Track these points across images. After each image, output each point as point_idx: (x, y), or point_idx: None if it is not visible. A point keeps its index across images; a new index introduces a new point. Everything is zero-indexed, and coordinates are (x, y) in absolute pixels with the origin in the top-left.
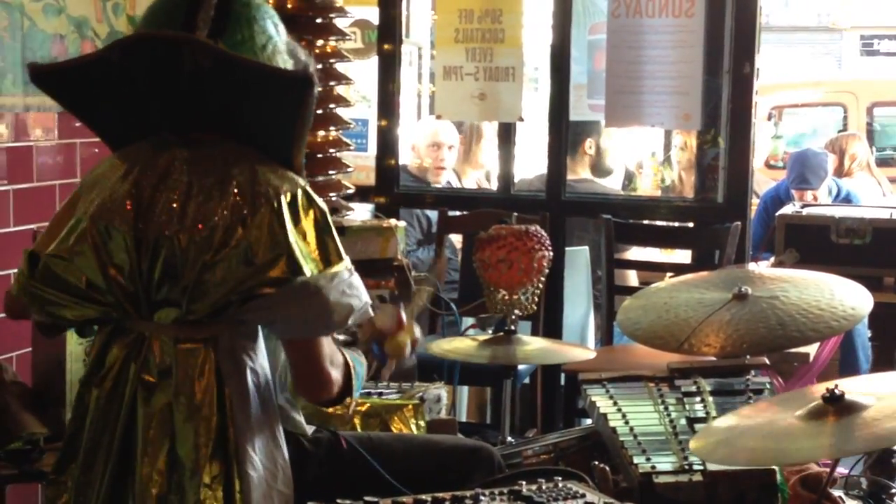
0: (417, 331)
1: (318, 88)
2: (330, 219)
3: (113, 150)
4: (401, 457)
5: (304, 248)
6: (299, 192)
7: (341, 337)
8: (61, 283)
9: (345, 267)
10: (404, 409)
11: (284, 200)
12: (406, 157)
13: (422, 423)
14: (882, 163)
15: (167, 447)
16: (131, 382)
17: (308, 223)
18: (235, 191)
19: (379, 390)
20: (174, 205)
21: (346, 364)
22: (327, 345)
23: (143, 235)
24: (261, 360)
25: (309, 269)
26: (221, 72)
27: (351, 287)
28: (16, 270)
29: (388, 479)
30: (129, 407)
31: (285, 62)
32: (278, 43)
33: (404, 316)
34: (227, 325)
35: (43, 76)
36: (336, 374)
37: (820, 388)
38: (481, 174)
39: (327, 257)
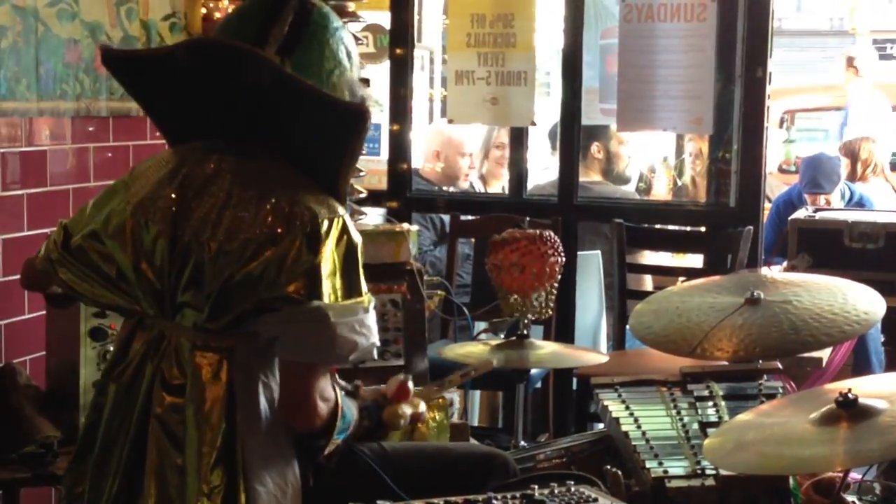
0: (423, 407)
1: (371, 123)
2: (360, 254)
3: (170, 145)
4: (415, 466)
5: (327, 276)
6: (336, 220)
7: (343, 382)
8: (93, 265)
9: (362, 304)
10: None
11: (319, 227)
12: (418, 162)
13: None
14: None
15: (174, 449)
16: (148, 378)
17: (338, 254)
18: (272, 208)
19: None
20: (211, 212)
21: (336, 403)
22: (323, 377)
23: (179, 237)
24: (277, 377)
25: (327, 296)
26: (279, 90)
27: (362, 325)
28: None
29: (399, 490)
30: (145, 402)
31: (352, 94)
32: (346, 72)
33: (411, 387)
34: (244, 338)
35: (112, 61)
36: (323, 407)
37: (833, 390)
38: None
39: (348, 291)
